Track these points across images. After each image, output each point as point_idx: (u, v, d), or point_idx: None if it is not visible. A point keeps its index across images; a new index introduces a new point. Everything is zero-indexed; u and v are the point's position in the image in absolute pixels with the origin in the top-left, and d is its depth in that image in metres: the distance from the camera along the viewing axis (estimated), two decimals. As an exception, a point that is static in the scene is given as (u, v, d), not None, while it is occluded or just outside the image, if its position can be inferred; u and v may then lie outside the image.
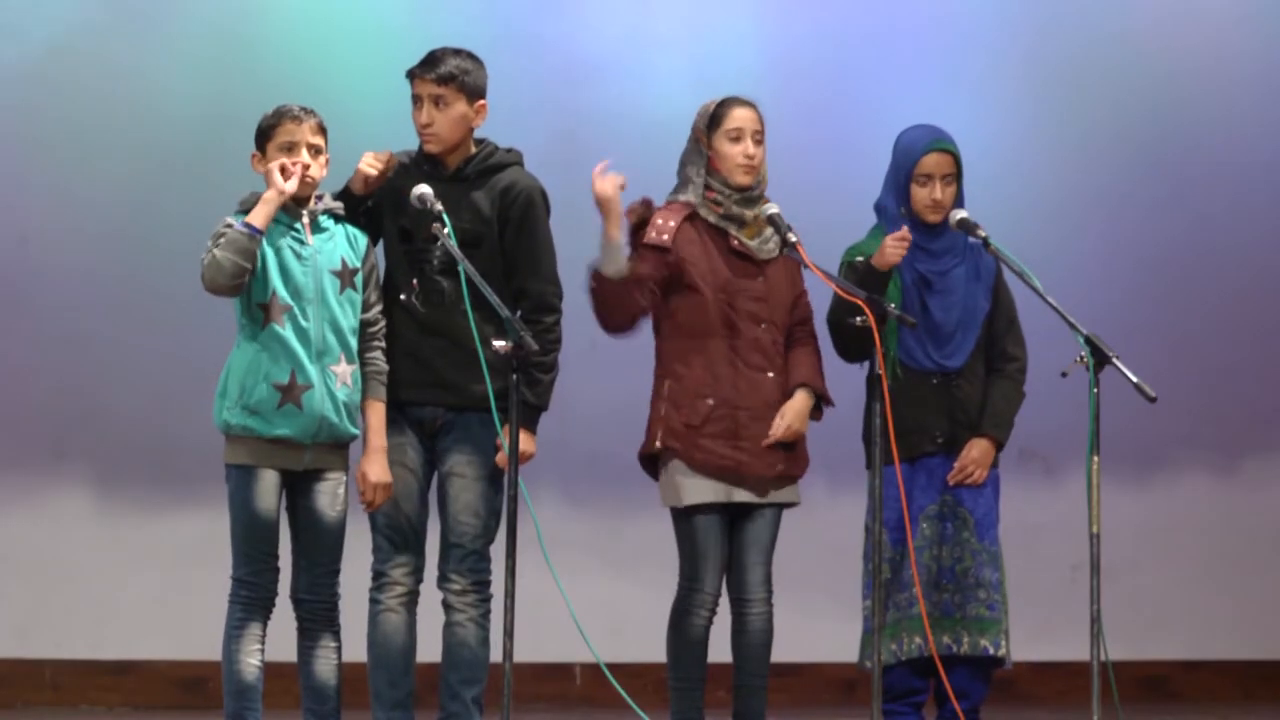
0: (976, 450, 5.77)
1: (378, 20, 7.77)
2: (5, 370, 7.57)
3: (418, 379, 5.36)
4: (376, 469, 5.26)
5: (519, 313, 5.32)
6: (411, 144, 5.50)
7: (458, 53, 5.40)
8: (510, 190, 5.40)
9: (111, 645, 7.55)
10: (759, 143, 5.57)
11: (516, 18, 7.83)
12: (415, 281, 5.36)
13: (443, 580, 5.37)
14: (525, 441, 5.24)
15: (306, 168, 5.17)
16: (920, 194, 5.79)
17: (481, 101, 5.40)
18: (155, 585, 7.51)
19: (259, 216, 5.09)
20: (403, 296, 5.37)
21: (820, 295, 5.69)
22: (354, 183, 5.37)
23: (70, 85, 7.62)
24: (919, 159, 5.79)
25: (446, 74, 5.34)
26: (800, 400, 5.56)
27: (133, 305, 7.58)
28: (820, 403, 5.60)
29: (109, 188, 7.61)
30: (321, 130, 5.24)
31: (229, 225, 5.12)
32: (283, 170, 5.13)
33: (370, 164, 5.35)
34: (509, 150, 5.48)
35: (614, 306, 5.46)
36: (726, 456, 5.49)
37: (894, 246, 5.58)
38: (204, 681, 7.30)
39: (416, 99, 5.38)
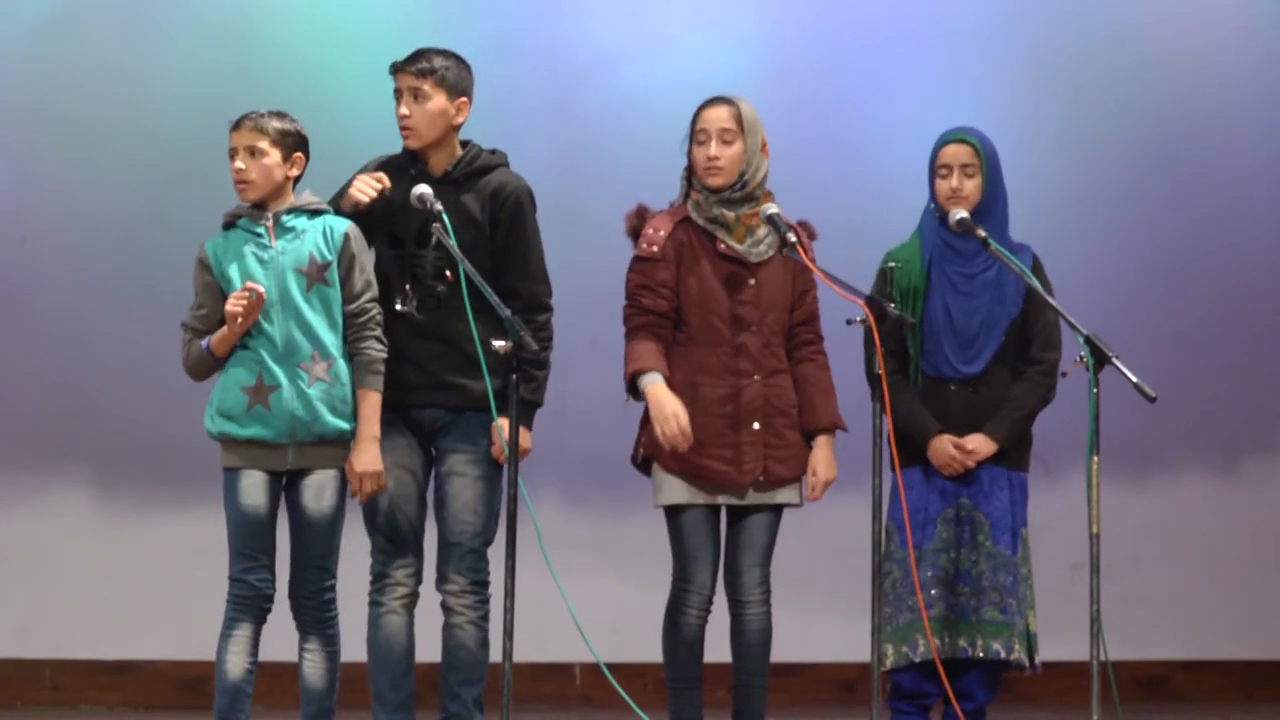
0: (971, 443, 5.76)
1: (376, 21, 7.76)
2: (5, 370, 7.57)
3: (418, 382, 5.35)
4: (364, 458, 5.23)
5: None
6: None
7: (441, 51, 5.41)
8: (500, 192, 5.40)
9: (111, 645, 7.55)
10: (727, 142, 5.51)
11: (516, 18, 7.83)
12: (409, 288, 5.36)
13: (441, 581, 5.36)
14: (523, 438, 5.30)
15: (241, 173, 5.20)
16: (941, 186, 5.79)
17: (463, 99, 5.39)
18: (155, 585, 7.51)
19: (220, 345, 5.19)
20: (398, 303, 5.36)
21: (824, 295, 5.68)
22: (344, 204, 5.36)
23: (70, 85, 7.62)
24: (938, 151, 5.80)
25: (426, 68, 5.35)
26: (826, 449, 5.57)
27: (133, 305, 7.58)
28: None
29: (109, 188, 7.61)
30: (260, 130, 5.21)
31: (193, 330, 5.24)
32: (241, 308, 5.14)
33: (362, 190, 5.33)
34: (493, 152, 5.48)
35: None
36: (704, 466, 5.48)
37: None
38: (204, 681, 7.29)
39: (398, 92, 5.39)
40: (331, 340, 5.24)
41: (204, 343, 5.21)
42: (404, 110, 5.36)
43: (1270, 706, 7.93)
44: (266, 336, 5.18)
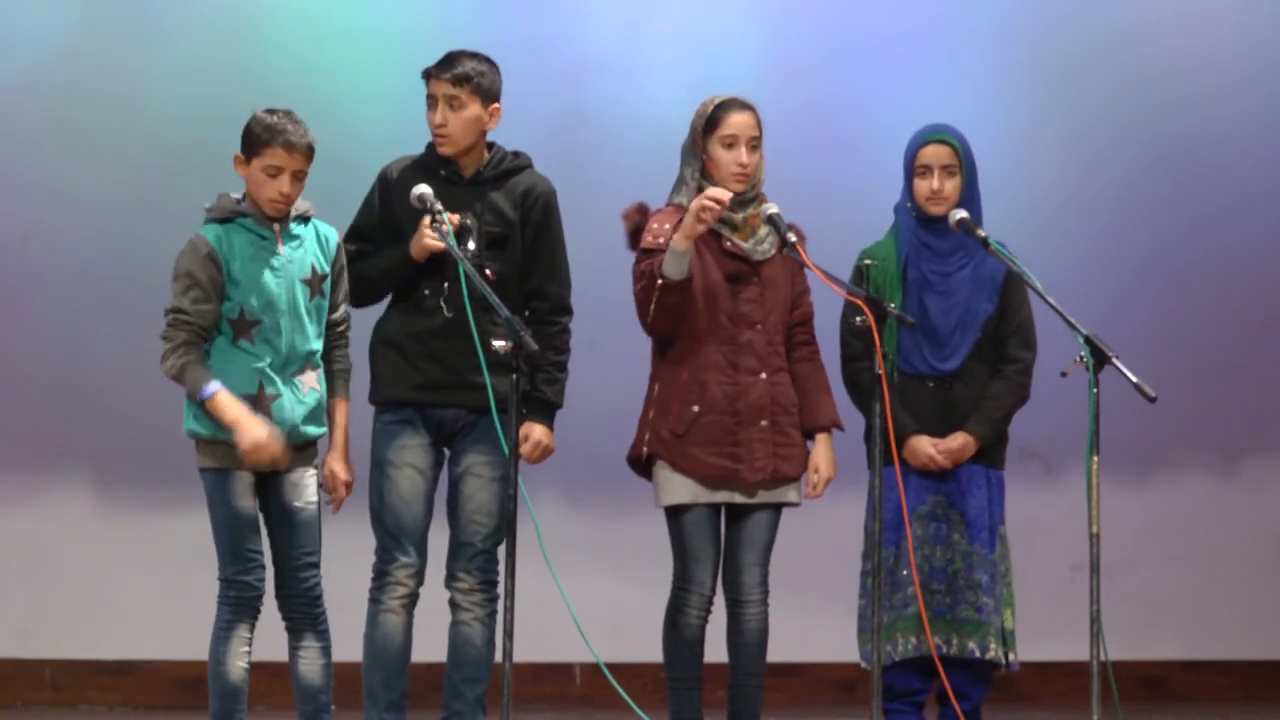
0: (954, 442, 5.76)
1: (377, 20, 7.77)
2: (5, 370, 7.57)
3: (441, 381, 5.37)
4: (344, 468, 5.27)
5: (527, 313, 5.38)
6: (412, 145, 5.50)
7: (474, 55, 5.41)
8: (530, 193, 5.44)
9: (111, 645, 7.55)
10: (754, 149, 5.55)
11: (516, 17, 7.82)
12: (446, 285, 5.36)
13: (451, 579, 5.39)
14: (546, 437, 5.40)
15: (287, 198, 5.13)
16: (920, 186, 5.80)
17: (496, 105, 5.41)
18: (155, 585, 7.51)
19: (224, 413, 5.03)
20: (431, 298, 5.37)
21: (822, 294, 5.69)
22: (417, 253, 5.33)
23: (71, 85, 7.62)
24: (917, 151, 5.81)
25: (462, 75, 5.34)
26: (826, 447, 5.59)
27: (133, 305, 7.56)
28: None
29: (109, 188, 7.61)
30: (310, 155, 5.15)
31: (188, 327, 5.10)
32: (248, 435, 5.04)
33: (435, 239, 5.27)
34: (517, 154, 5.50)
35: (674, 309, 5.45)
36: (714, 464, 5.48)
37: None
38: (204, 681, 7.21)
39: (431, 99, 5.39)
40: (319, 349, 5.25)
41: (206, 389, 5.04)
42: (439, 119, 5.36)
43: (1270, 706, 7.93)
44: (273, 346, 5.15)
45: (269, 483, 5.22)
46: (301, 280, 5.20)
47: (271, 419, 5.11)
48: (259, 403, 5.12)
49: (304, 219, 5.26)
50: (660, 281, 5.39)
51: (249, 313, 5.13)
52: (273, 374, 5.15)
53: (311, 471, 5.25)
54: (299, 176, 5.14)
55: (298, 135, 5.12)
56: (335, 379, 5.30)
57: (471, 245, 5.33)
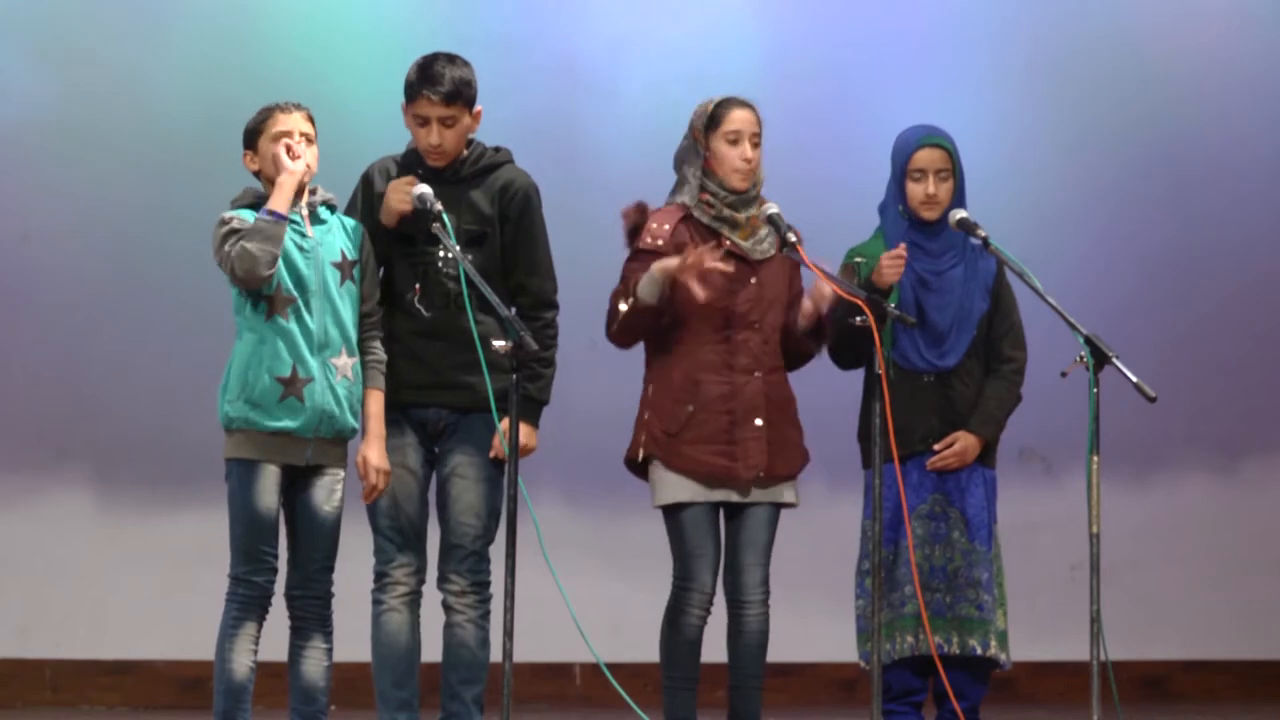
0: (959, 444, 5.76)
1: (377, 20, 7.77)
2: (5, 370, 7.57)
3: (422, 381, 5.37)
4: (377, 454, 5.26)
5: (514, 310, 5.34)
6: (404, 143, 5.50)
7: (451, 61, 5.38)
8: (509, 188, 5.42)
9: (111, 645, 7.56)
10: (756, 145, 5.55)
11: (514, 17, 7.83)
12: (418, 286, 5.37)
13: (442, 581, 5.38)
14: (528, 435, 5.34)
15: (301, 156, 5.18)
16: (915, 190, 5.79)
17: (479, 108, 5.41)
18: (155, 585, 7.51)
19: (280, 202, 5.10)
20: (406, 299, 5.37)
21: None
22: (386, 217, 5.35)
23: (71, 85, 7.62)
24: (911, 155, 5.79)
25: (453, 92, 5.31)
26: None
27: (133, 304, 7.59)
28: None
29: (109, 188, 7.61)
30: (310, 120, 5.24)
31: (230, 220, 5.12)
32: (288, 150, 5.14)
33: (402, 200, 5.30)
34: (498, 149, 5.48)
35: (640, 329, 5.50)
36: (709, 462, 5.48)
37: (890, 265, 5.57)
38: (204, 681, 7.26)
39: (422, 119, 5.35)
40: (354, 338, 5.26)
41: (263, 212, 5.09)
42: (435, 140, 5.33)
43: (1270, 706, 7.93)
44: (304, 326, 5.16)
45: (298, 480, 5.22)
46: (332, 263, 5.22)
47: (302, 403, 5.13)
48: (291, 385, 5.13)
49: (330, 206, 5.28)
50: (632, 300, 5.41)
51: (284, 290, 5.14)
52: (307, 356, 5.16)
53: (341, 474, 5.25)
54: (307, 140, 5.20)
55: (287, 101, 5.22)
56: (368, 370, 5.30)
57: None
